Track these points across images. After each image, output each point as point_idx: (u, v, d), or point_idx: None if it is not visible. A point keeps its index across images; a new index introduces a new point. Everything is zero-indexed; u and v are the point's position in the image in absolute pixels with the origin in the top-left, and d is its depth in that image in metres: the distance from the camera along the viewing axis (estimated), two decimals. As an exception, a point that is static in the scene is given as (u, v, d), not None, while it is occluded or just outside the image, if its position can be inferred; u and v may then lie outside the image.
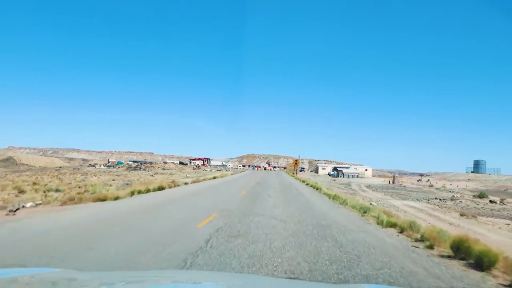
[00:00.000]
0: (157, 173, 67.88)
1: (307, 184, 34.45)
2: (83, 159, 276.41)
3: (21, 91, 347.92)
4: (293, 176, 56.20)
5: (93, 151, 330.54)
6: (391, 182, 75.43)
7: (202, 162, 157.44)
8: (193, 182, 29.45)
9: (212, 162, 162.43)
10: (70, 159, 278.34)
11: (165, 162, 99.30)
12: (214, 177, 38.32)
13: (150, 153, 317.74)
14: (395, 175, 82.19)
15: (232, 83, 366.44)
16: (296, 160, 64.98)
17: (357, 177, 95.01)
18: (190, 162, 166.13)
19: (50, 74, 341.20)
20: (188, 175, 51.41)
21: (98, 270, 4.47)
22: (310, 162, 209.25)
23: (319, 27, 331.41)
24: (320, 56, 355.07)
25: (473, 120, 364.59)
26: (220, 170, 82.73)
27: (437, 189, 61.01)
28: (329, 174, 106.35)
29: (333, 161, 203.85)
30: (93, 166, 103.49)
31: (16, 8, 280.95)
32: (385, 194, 41.21)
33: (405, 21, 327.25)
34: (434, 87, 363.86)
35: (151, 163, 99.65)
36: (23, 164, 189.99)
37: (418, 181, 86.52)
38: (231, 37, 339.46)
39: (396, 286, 4.64)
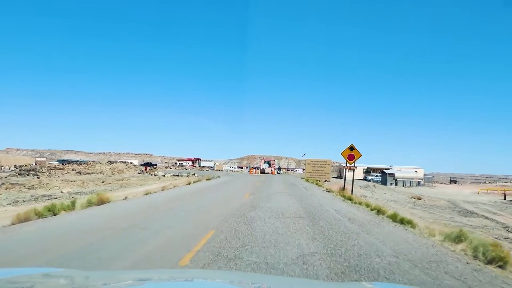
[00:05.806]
0: (32, 186, 32.69)
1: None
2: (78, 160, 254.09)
3: (18, 92, 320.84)
4: (356, 202, 15.17)
5: (91, 153, 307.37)
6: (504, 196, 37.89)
7: (192, 163, 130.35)
8: None
9: (203, 163, 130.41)
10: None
11: (110, 162, 64.67)
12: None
13: (149, 154, 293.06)
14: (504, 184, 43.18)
15: (234, 84, 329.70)
16: (351, 147, 22.56)
17: (418, 184, 57.17)
18: (175, 163, 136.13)
19: (48, 75, 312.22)
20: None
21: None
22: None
23: (323, 28, 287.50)
24: (324, 57, 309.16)
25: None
26: (178, 175, 46.75)
27: None
28: (365, 179, 67.94)
29: (337, 162, 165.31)
30: (0, 168, 69.95)
31: (10, 9, 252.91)
32: None
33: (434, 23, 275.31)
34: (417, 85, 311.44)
35: (86, 162, 65.23)
36: (1, 166, 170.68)
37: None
38: (233, 37, 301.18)
39: (400, 285, 4.17)
